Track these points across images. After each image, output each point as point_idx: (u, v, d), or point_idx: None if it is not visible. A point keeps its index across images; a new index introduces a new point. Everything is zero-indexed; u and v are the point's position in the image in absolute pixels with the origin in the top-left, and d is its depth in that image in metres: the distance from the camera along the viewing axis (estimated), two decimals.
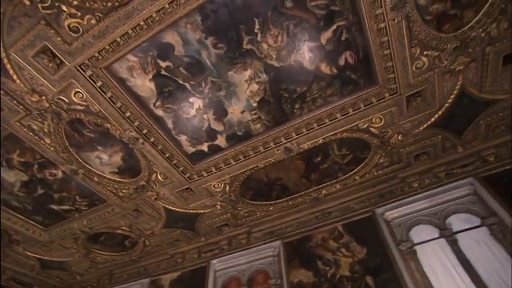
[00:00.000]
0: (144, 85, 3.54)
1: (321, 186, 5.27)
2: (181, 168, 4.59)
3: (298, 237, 5.45)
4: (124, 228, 5.87)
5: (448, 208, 4.76)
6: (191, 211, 5.47)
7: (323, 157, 4.72)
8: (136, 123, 3.88)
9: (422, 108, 4.22)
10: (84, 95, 3.57)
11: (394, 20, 3.20)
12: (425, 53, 3.59)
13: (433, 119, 4.39)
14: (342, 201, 5.42)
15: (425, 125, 4.45)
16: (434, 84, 3.95)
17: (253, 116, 3.95)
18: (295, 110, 3.94)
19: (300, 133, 4.20)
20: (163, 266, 6.65)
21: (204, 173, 4.68)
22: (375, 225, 4.96)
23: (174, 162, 4.46)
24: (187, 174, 4.71)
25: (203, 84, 3.61)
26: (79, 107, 3.71)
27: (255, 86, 3.65)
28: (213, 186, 4.96)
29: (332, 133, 4.28)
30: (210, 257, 6.12)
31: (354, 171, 5.09)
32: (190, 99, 3.73)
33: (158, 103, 3.74)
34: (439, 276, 4.20)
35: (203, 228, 5.95)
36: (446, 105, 4.22)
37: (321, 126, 4.13)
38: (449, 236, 4.45)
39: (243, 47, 3.30)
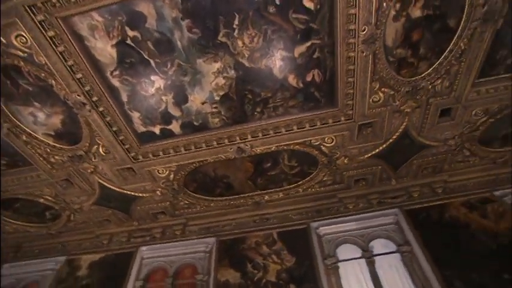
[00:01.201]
0: (105, 50, 3.27)
1: (265, 191, 5.39)
2: (127, 146, 4.33)
3: (233, 238, 5.49)
4: (48, 197, 5.31)
5: (373, 232, 5.21)
6: (129, 192, 5.17)
7: (272, 164, 4.84)
8: (86, 88, 3.56)
9: (370, 138, 4.58)
10: (29, 41, 3.15)
11: (363, 52, 3.44)
12: (383, 89, 3.91)
13: (377, 150, 4.79)
14: (281, 210, 5.60)
15: (369, 154, 4.84)
16: (384, 120, 4.32)
17: (213, 109, 3.90)
18: (255, 113, 3.98)
19: (256, 136, 4.25)
20: (85, 245, 6.16)
21: (150, 155, 4.46)
22: (307, 237, 5.22)
23: (120, 138, 4.18)
24: (133, 154, 4.44)
25: (169, 65, 3.46)
26: (20, 53, 3.27)
27: (221, 80, 3.61)
28: (158, 171, 4.76)
29: (286, 143, 4.42)
30: (140, 243, 5.85)
31: (299, 183, 5.30)
32: (152, 77, 3.55)
33: (116, 72, 3.48)
34: None
35: (138, 212, 5.67)
36: (391, 140, 4.65)
37: (277, 134, 4.24)
38: (369, 258, 4.87)
39: (217, 38, 3.25)
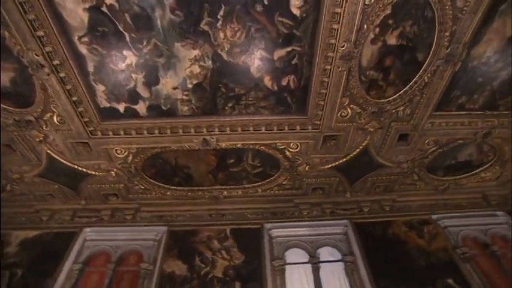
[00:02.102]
0: (76, 12, 3.02)
1: (224, 187, 5.37)
2: (86, 120, 4.04)
3: (186, 229, 5.40)
4: None
5: (322, 240, 5.43)
6: (80, 168, 4.84)
7: (236, 161, 4.84)
8: (47, 49, 3.25)
9: (332, 150, 4.78)
10: None
11: (339, 67, 3.58)
12: (351, 106, 4.10)
13: (337, 163, 5.02)
14: (238, 207, 5.62)
15: (330, 165, 5.05)
16: (348, 135, 4.54)
17: (184, 97, 3.80)
18: (226, 108, 3.96)
19: (223, 131, 4.22)
20: (20, 220, 5.58)
21: (110, 133, 4.21)
22: (259, 237, 5.30)
23: (79, 109, 3.90)
24: (91, 128, 4.17)
25: (144, 43, 3.30)
26: None
27: (197, 68, 3.53)
28: (116, 150, 4.51)
29: (252, 142, 4.45)
30: (85, 224, 5.50)
31: (258, 183, 5.37)
32: (125, 52, 3.36)
33: (85, 39, 3.23)
34: None
35: (87, 190, 5.33)
36: (351, 155, 4.89)
37: (245, 132, 4.25)
38: (315, 263, 5.07)
39: (200, 26, 3.17)
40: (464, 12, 3.32)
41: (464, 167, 5.59)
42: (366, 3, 3.05)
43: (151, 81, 3.65)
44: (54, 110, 3.93)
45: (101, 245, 5.31)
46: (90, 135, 4.26)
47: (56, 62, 3.38)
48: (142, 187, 5.30)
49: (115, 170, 4.87)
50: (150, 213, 5.62)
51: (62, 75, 3.50)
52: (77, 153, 4.59)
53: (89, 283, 4.80)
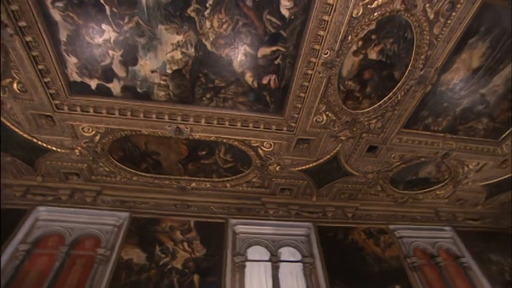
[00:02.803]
0: None
1: (193, 178, 5.30)
2: (52, 91, 3.77)
3: (149, 217, 5.25)
4: None
5: (284, 240, 5.54)
6: (40, 143, 4.51)
7: (208, 153, 4.79)
8: (13, 7, 2.93)
9: (304, 153, 4.89)
10: None
11: (320, 73, 3.65)
12: (327, 113, 4.21)
13: (307, 166, 5.13)
14: (204, 200, 5.57)
15: (300, 168, 5.16)
16: (321, 140, 4.66)
17: (162, 81, 3.67)
18: (204, 99, 3.89)
19: (198, 122, 4.15)
20: None
21: (78, 109, 3.97)
22: (223, 232, 5.28)
23: (46, 79, 3.62)
24: (57, 101, 3.89)
25: (126, 19, 3.14)
26: None
27: (178, 54, 3.42)
28: (82, 128, 4.27)
29: (226, 136, 4.42)
30: (39, 203, 5.14)
31: (228, 178, 5.36)
32: (103, 26, 3.17)
33: (59, 4, 3.00)
34: None
35: (46, 167, 4.99)
36: (321, 160, 5.03)
37: (220, 125, 4.21)
38: (275, 262, 5.16)
39: (187, 11, 3.08)
40: (439, 39, 3.54)
41: (422, 183, 5.98)
42: (353, 15, 3.14)
43: (129, 60, 3.49)
44: (16, 76, 3.62)
45: (55, 226, 5.01)
46: (55, 109, 3.99)
47: (22, 23, 3.08)
48: (107, 169, 5.06)
49: (79, 148, 4.61)
50: (112, 197, 5.39)
51: (28, 39, 3.22)
52: (37, 126, 4.27)
53: (37, 265, 4.49)
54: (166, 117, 4.08)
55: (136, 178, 5.24)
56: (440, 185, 6.08)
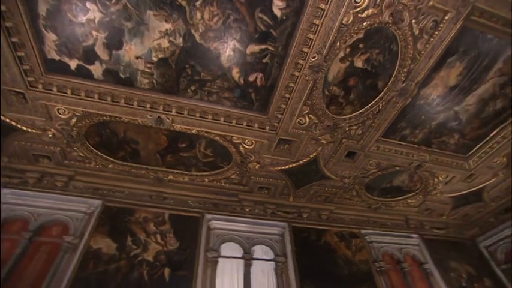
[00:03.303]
0: None
1: (171, 170, 5.21)
2: (26, 67, 3.56)
3: (122, 207, 5.12)
4: None
5: (258, 238, 5.58)
6: (8, 121, 4.26)
7: (188, 146, 4.72)
8: None
9: (284, 154, 4.93)
10: None
11: (306, 76, 3.69)
12: (310, 115, 4.27)
13: (287, 167, 5.19)
14: (181, 193, 5.50)
15: (279, 168, 5.21)
16: (302, 142, 4.72)
17: (146, 69, 3.56)
18: (188, 90, 3.82)
19: (181, 113, 4.07)
20: None
21: (54, 89, 3.77)
22: (198, 227, 5.25)
23: (19, 54, 3.41)
24: (31, 78, 3.68)
25: (113, 0, 3.02)
26: None
27: (166, 43, 3.34)
28: (57, 109, 4.07)
29: (208, 130, 4.37)
30: (3, 184, 4.86)
31: (207, 173, 5.32)
32: (88, 4, 3.03)
33: None
34: None
35: (13, 147, 4.72)
36: (301, 162, 5.10)
37: (203, 119, 4.16)
38: (248, 260, 5.18)
39: (178, 0, 3.01)
40: (421, 54, 3.68)
41: (395, 191, 6.21)
42: (343, 22, 3.20)
43: (114, 44, 3.36)
44: None
45: (19, 210, 4.75)
46: (29, 86, 3.77)
47: None
48: (82, 155, 4.87)
49: (53, 130, 4.39)
50: (85, 183, 5.19)
51: (2, 8, 3.01)
52: (7, 103, 4.02)
53: None
54: (148, 105, 3.97)
55: (112, 166, 5.08)
56: (412, 194, 6.35)
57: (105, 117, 4.16)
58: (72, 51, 3.42)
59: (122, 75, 3.65)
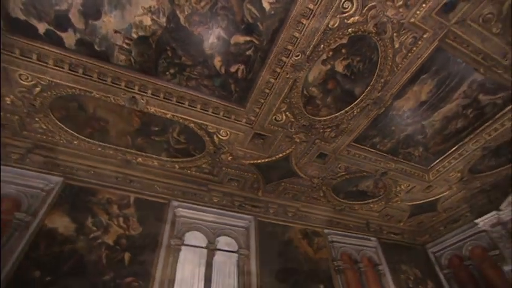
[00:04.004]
0: None
1: (140, 153, 5.03)
2: None
3: (84, 186, 4.87)
4: None
5: (224, 229, 5.58)
6: None
7: (160, 130, 4.58)
8: None
9: (258, 148, 4.95)
10: None
11: (287, 74, 3.71)
12: (287, 113, 4.31)
13: (259, 161, 5.22)
14: (149, 178, 5.34)
15: (251, 161, 5.23)
16: (276, 139, 4.76)
17: (125, 45, 3.38)
18: (167, 73, 3.69)
19: (156, 95, 3.93)
20: None
21: (17, 51, 3.44)
22: (163, 213, 5.14)
23: None
24: None
25: None
26: None
27: (148, 20, 3.19)
28: (20, 75, 3.74)
29: (183, 116, 4.27)
30: None
31: (178, 160, 5.21)
32: None
33: None
34: (184, 277, 4.77)
35: None
36: (274, 158, 5.15)
37: (179, 104, 4.05)
38: (212, 250, 5.18)
39: None
40: (399, 68, 3.85)
41: (360, 195, 6.50)
42: (329, 25, 3.25)
43: (91, 13, 3.15)
44: None
45: None
46: None
47: None
48: (45, 127, 4.53)
49: (11, 97, 4.04)
50: (45, 158, 4.85)
51: None
52: None
53: None
54: (122, 84, 3.78)
55: (77, 142, 4.79)
56: (375, 200, 6.68)
57: (74, 91, 3.90)
58: (42, 14, 3.16)
59: (97, 48, 3.43)
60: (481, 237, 6.66)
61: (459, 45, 3.64)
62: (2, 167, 4.57)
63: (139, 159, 5.13)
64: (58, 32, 3.29)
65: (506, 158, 5.59)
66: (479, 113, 4.71)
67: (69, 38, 3.35)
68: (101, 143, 4.82)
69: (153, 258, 4.54)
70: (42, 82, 3.83)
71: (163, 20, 3.20)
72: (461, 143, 5.21)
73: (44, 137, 4.72)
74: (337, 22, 3.24)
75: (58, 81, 3.78)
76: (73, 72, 3.67)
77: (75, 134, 4.64)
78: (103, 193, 4.92)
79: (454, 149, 5.34)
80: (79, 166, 4.99)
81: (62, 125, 4.51)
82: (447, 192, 6.48)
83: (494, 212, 6.30)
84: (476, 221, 6.63)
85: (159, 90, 3.89)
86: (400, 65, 3.81)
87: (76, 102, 4.14)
